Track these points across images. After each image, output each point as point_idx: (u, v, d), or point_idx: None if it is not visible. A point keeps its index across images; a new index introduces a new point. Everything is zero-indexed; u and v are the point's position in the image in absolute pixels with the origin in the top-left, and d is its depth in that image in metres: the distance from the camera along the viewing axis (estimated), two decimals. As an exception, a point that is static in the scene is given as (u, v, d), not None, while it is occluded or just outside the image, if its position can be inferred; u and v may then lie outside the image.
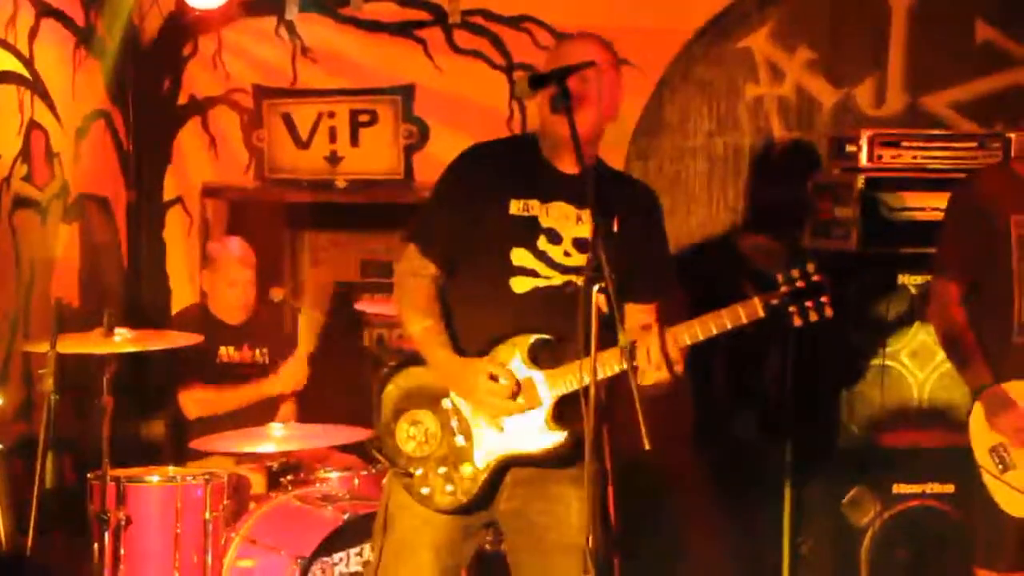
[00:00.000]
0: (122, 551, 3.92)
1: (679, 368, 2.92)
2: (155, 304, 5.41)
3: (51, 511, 3.82)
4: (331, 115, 5.40)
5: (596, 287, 2.77)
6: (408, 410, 3.05)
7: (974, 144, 4.52)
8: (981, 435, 3.71)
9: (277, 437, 4.18)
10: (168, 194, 5.48)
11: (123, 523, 3.91)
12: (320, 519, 3.93)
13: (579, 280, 2.96)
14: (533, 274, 3.04)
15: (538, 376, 3.00)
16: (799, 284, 2.93)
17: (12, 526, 3.91)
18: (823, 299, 2.91)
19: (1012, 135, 4.48)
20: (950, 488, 4.38)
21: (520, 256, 3.04)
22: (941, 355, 4.43)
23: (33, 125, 4.67)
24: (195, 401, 4.57)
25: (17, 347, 4.48)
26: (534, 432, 3.00)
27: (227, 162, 5.46)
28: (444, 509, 3.03)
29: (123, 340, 3.88)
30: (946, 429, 4.43)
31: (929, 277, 4.37)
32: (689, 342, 2.93)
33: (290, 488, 4.14)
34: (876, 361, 4.44)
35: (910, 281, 4.44)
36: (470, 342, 3.05)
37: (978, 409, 3.71)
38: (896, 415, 4.44)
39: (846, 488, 4.40)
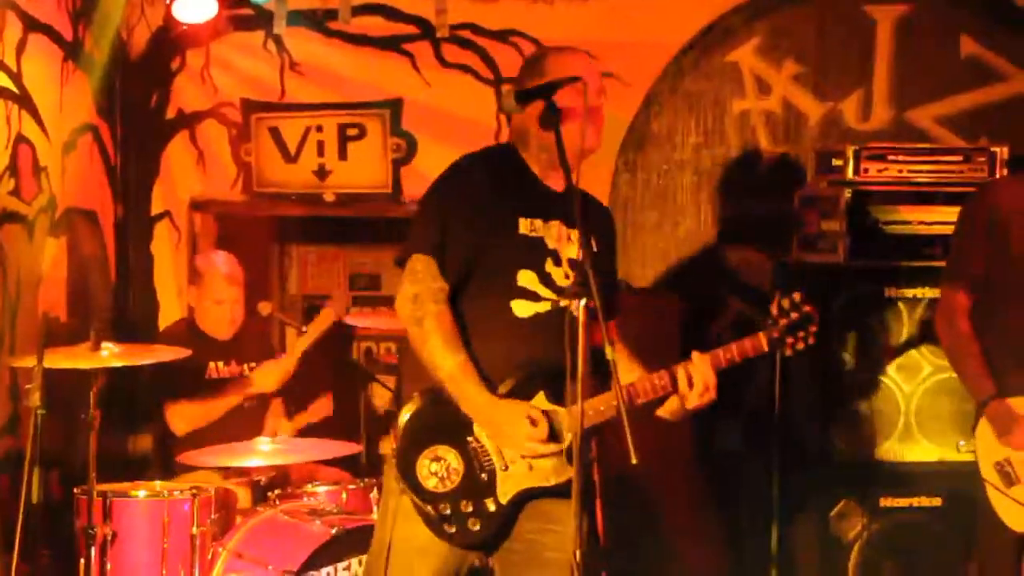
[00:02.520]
0: (108, 566, 3.90)
1: (714, 392, 3.01)
2: (143, 318, 5.40)
3: (37, 526, 3.80)
4: (319, 129, 5.41)
5: (582, 303, 2.79)
6: (430, 445, 2.96)
7: (960, 158, 4.55)
8: (987, 449, 3.70)
9: (264, 451, 4.17)
10: (156, 208, 5.47)
11: (109, 538, 3.90)
12: (308, 533, 3.91)
13: (569, 303, 2.97)
14: (535, 297, 3.03)
15: (560, 413, 3.00)
16: (793, 315, 3.11)
17: (-1, 541, 3.90)
18: (811, 328, 3.12)
19: (997, 149, 4.51)
20: (937, 501, 4.39)
21: (526, 278, 3.03)
22: (928, 368, 4.46)
23: (20, 139, 4.66)
24: (182, 417, 4.54)
25: (3, 362, 4.47)
26: (553, 467, 3.00)
27: (215, 176, 5.46)
28: (468, 545, 2.99)
29: (110, 355, 3.88)
30: (933, 443, 4.45)
31: (919, 291, 4.42)
32: (721, 367, 3.07)
33: (278, 502, 4.12)
34: (863, 374, 4.45)
35: (897, 294, 4.46)
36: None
37: (984, 423, 3.70)
38: (883, 428, 4.45)
39: (833, 501, 4.41)
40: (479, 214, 3.01)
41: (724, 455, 4.78)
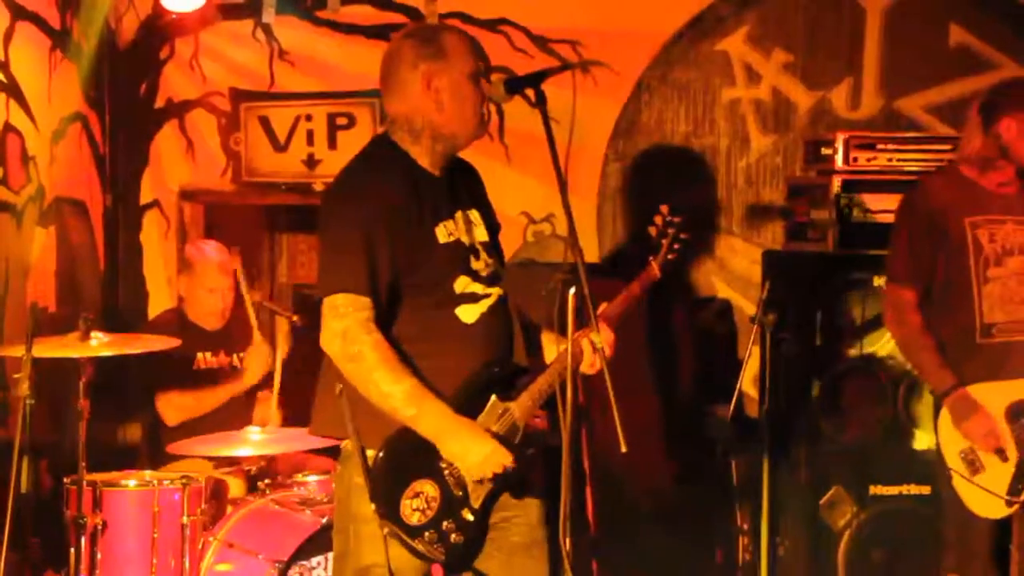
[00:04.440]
0: (99, 556, 3.90)
1: (611, 351, 3.04)
2: (132, 308, 5.39)
3: (27, 516, 3.80)
4: (308, 118, 5.40)
5: (572, 290, 2.79)
6: (408, 484, 2.92)
7: (948, 147, 4.54)
8: (950, 438, 3.71)
9: (255, 441, 4.16)
10: (145, 197, 5.46)
11: (100, 527, 3.90)
12: (298, 523, 3.92)
13: (500, 290, 3.05)
14: (474, 299, 3.00)
15: (511, 408, 3.00)
16: (670, 231, 3.28)
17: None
18: (683, 236, 3.30)
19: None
20: (926, 489, 4.39)
21: (462, 283, 2.99)
22: (916, 357, 4.48)
23: (8, 128, 4.65)
24: (174, 408, 4.54)
25: (-8, 351, 4.45)
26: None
27: (204, 165, 5.45)
28: (454, 558, 2.99)
29: (99, 344, 3.87)
30: (922, 431, 4.46)
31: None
32: (612, 321, 3.13)
33: (268, 492, 4.12)
34: (852, 363, 4.46)
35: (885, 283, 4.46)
36: (431, 382, 2.93)
37: (945, 413, 3.72)
38: (872, 416, 4.46)
39: (823, 489, 4.42)
40: (400, 239, 2.92)
41: (713, 443, 4.79)
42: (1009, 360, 3.69)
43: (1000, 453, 3.64)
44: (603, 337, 2.96)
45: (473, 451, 2.92)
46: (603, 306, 3.12)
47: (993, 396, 3.67)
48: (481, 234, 3.08)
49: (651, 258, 3.27)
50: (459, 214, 3.05)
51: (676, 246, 3.28)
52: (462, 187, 3.11)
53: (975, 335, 3.71)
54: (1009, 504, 3.63)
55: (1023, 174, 3.76)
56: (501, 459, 2.92)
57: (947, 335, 3.73)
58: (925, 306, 3.76)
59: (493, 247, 3.12)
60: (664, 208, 3.29)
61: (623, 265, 5.22)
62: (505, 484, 3.00)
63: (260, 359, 4.59)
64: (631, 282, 3.25)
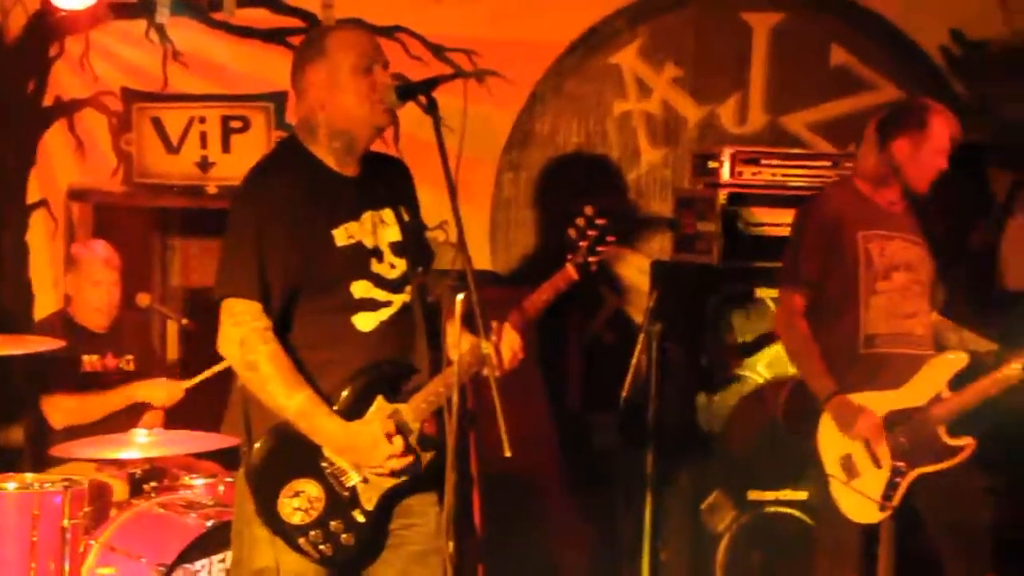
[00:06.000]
0: (-24, 560, 3.83)
1: (522, 354, 3.04)
2: (16, 309, 5.29)
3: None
4: (202, 120, 5.35)
5: (460, 296, 2.82)
6: (286, 483, 2.91)
7: (828, 163, 4.71)
8: (830, 444, 3.82)
9: (141, 443, 4.12)
10: (32, 197, 5.36)
11: (-23, 531, 3.82)
12: (183, 526, 3.89)
13: (406, 296, 3.00)
14: (374, 306, 2.97)
15: (401, 410, 2.99)
16: (591, 233, 3.14)
17: None
18: (609, 239, 3.14)
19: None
20: (803, 495, 4.52)
21: (360, 288, 2.96)
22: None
23: None
24: (60, 410, 4.47)
25: None
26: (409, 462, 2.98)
27: (94, 165, 5.37)
28: (346, 558, 2.97)
29: (-21, 345, 3.80)
30: (799, 437, 4.59)
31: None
32: (522, 324, 3.09)
33: (153, 495, 4.08)
34: (735, 371, 4.58)
35: (767, 294, 4.58)
36: (324, 391, 2.93)
37: (827, 419, 3.83)
38: (753, 423, 4.57)
39: (704, 495, 4.51)
40: (293, 241, 2.89)
41: (598, 449, 4.87)
42: (888, 371, 3.81)
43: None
44: (510, 340, 2.99)
45: (367, 457, 2.92)
46: (516, 311, 3.10)
47: (871, 405, 3.78)
48: (391, 235, 3.03)
49: (568, 258, 3.16)
50: (367, 215, 3.00)
51: (600, 248, 3.16)
52: (379, 186, 3.06)
53: (858, 345, 3.83)
54: (882, 509, 3.75)
55: (909, 195, 3.90)
56: (395, 458, 2.91)
57: (831, 343, 3.84)
58: (812, 313, 3.86)
59: (406, 248, 3.05)
60: (589, 209, 3.17)
61: (517, 272, 5.31)
62: (402, 485, 2.98)
63: (166, 390, 4.55)
64: (543, 284, 3.16)
